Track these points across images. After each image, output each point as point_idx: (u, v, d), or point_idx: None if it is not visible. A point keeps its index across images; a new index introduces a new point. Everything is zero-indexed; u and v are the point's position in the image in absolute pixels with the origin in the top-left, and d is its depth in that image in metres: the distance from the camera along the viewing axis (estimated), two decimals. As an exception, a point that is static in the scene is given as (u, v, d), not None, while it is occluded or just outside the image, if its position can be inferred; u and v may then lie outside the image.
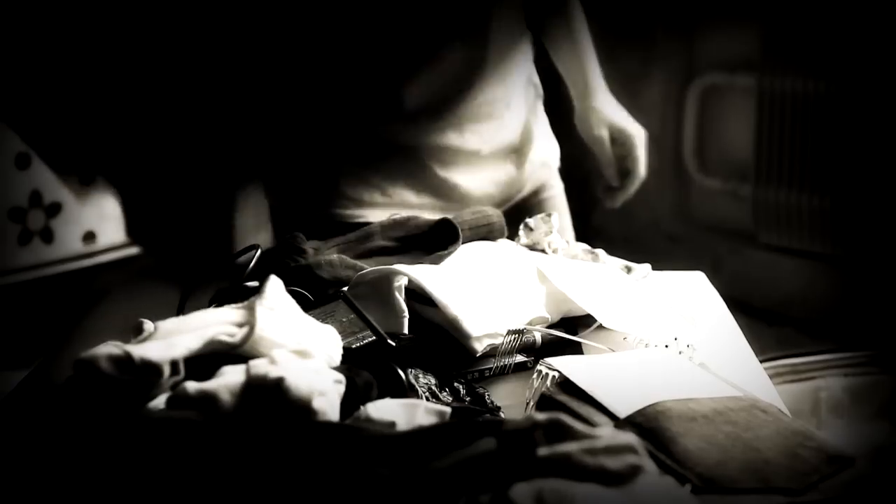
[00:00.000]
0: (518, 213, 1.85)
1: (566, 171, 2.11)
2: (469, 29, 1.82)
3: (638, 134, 1.97)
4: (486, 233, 1.69)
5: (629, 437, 0.98)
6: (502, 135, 1.94)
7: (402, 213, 1.70)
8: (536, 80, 2.04)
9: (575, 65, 2.00)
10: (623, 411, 1.17)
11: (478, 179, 1.94)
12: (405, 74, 1.83)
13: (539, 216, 1.72)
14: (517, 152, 1.99)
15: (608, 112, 1.98)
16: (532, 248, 1.69)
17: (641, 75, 3.82)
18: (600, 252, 1.68)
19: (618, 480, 0.94)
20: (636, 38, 3.88)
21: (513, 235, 1.73)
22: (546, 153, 2.06)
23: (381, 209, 1.84)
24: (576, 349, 1.41)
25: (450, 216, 1.65)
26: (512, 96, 1.93)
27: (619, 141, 1.97)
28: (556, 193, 2.09)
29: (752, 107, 3.58)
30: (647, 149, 1.99)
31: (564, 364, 1.28)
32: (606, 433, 0.99)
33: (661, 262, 1.72)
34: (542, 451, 0.95)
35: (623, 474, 0.94)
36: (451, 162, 1.91)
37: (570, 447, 0.96)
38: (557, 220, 1.71)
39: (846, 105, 3.30)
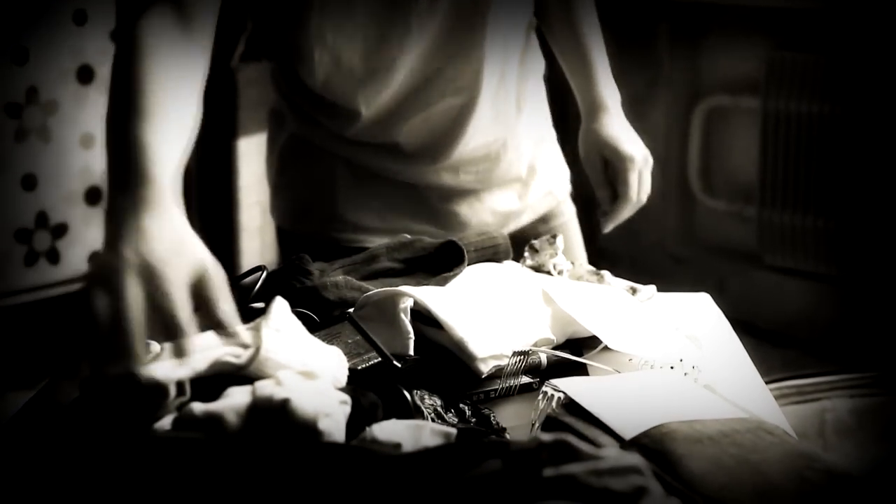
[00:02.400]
0: (525, 240, 1.83)
1: (574, 193, 2.11)
2: (460, 78, 1.81)
3: (633, 158, 1.88)
4: (491, 254, 1.69)
5: (635, 459, 0.98)
6: (500, 171, 1.93)
7: (408, 235, 1.70)
8: (547, 111, 2.04)
9: (584, 82, 1.96)
10: (628, 433, 1.16)
11: (476, 210, 1.94)
12: (399, 121, 1.83)
13: (544, 238, 1.72)
14: (520, 183, 1.98)
15: (607, 133, 1.91)
16: (537, 269, 1.69)
17: (647, 97, 3.83)
18: (605, 274, 1.68)
19: (623, 502, 0.94)
20: (642, 60, 3.89)
21: (518, 257, 1.73)
22: (552, 182, 2.05)
23: (380, 235, 1.84)
24: (581, 371, 1.41)
25: (455, 238, 1.65)
26: (511, 136, 1.92)
27: (612, 164, 1.90)
28: (566, 221, 2.07)
29: (757, 128, 3.58)
30: (649, 173, 1.91)
31: (570, 385, 1.28)
32: (612, 454, 0.99)
33: (666, 283, 1.72)
34: (548, 471, 0.95)
35: (628, 495, 0.94)
36: (448, 196, 1.92)
37: (575, 468, 0.95)
38: (562, 242, 1.71)
39: (851, 127, 3.31)
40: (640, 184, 1.90)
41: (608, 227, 1.94)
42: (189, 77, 1.42)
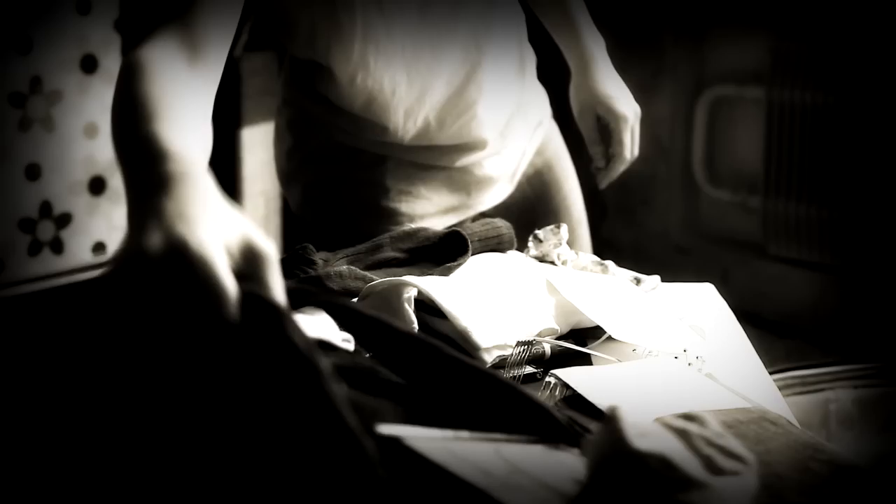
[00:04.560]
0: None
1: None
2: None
3: (626, 117, 1.91)
4: (495, 244, 1.69)
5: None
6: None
7: (412, 225, 1.70)
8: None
9: (570, 38, 1.96)
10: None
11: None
12: (441, 126, 1.84)
13: (548, 228, 1.72)
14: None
15: (599, 91, 1.93)
16: (541, 259, 1.69)
17: (651, 87, 3.82)
18: (609, 264, 1.68)
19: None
20: (646, 49, 3.89)
21: (522, 247, 1.73)
22: (542, 112, 2.06)
23: (432, 220, 1.85)
24: (585, 361, 1.41)
25: (459, 227, 1.65)
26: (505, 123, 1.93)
27: (605, 121, 1.92)
28: (557, 145, 2.10)
29: (761, 118, 3.58)
30: (638, 127, 1.94)
31: (573, 376, 1.28)
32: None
33: (670, 273, 1.72)
34: None
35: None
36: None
37: None
38: (566, 231, 1.71)
39: (856, 118, 3.30)
40: (633, 141, 1.94)
41: (604, 184, 1.99)
42: (196, 104, 1.32)
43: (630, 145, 1.93)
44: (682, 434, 0.98)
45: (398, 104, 1.77)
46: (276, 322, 0.94)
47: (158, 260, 0.91)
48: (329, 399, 0.92)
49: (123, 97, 1.26)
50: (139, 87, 1.25)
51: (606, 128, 1.93)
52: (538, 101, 2.03)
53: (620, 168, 1.95)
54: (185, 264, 0.91)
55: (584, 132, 1.96)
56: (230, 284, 0.92)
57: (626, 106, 1.93)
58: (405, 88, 1.75)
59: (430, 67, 1.75)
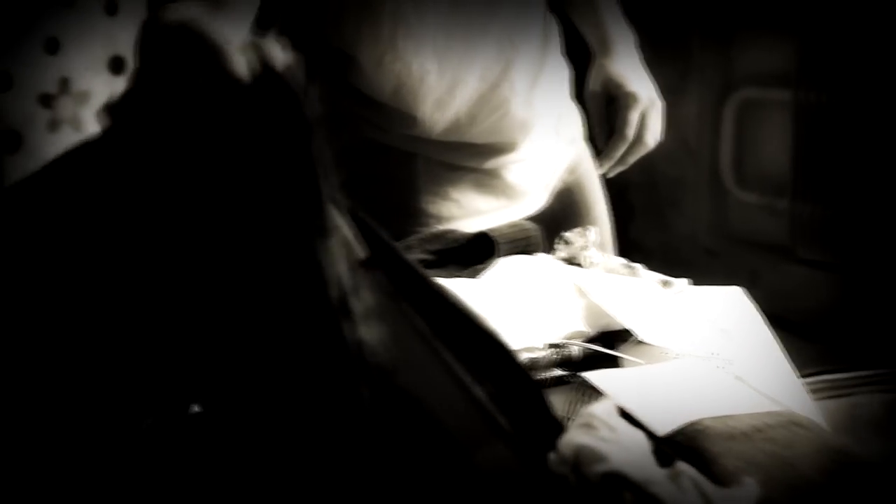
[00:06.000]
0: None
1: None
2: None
3: (636, 96, 1.84)
4: (523, 247, 1.69)
5: None
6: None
7: (440, 227, 1.70)
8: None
9: (591, 20, 1.93)
10: (662, 429, 1.16)
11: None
12: (472, 121, 1.83)
13: (576, 230, 1.72)
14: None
15: (614, 70, 1.87)
16: (569, 262, 1.69)
17: (679, 89, 3.81)
18: (638, 266, 1.67)
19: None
20: (674, 52, 3.87)
21: (550, 249, 1.73)
22: (575, 128, 2.04)
23: (459, 222, 1.84)
24: (613, 363, 1.41)
25: (487, 230, 1.65)
26: (535, 119, 1.92)
27: (614, 99, 1.86)
28: (587, 166, 2.06)
29: (789, 121, 3.57)
30: (658, 117, 1.87)
31: (602, 379, 1.27)
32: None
33: (699, 276, 1.72)
34: None
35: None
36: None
37: None
38: (595, 234, 1.71)
39: (885, 120, 3.29)
40: (643, 125, 1.86)
41: (604, 167, 1.90)
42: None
43: (635, 126, 1.85)
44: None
45: (427, 92, 1.76)
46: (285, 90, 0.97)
47: (174, 30, 1.00)
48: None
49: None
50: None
51: (615, 108, 1.86)
52: (572, 118, 2.02)
53: (621, 149, 1.86)
54: (198, 37, 0.98)
55: (591, 110, 1.91)
56: (237, 53, 0.96)
57: (638, 86, 1.86)
58: (435, 77, 1.75)
59: (462, 60, 1.75)
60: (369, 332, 0.91)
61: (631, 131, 1.84)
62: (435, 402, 0.95)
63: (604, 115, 1.88)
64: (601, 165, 1.90)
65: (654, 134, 1.87)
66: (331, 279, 0.91)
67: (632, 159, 1.88)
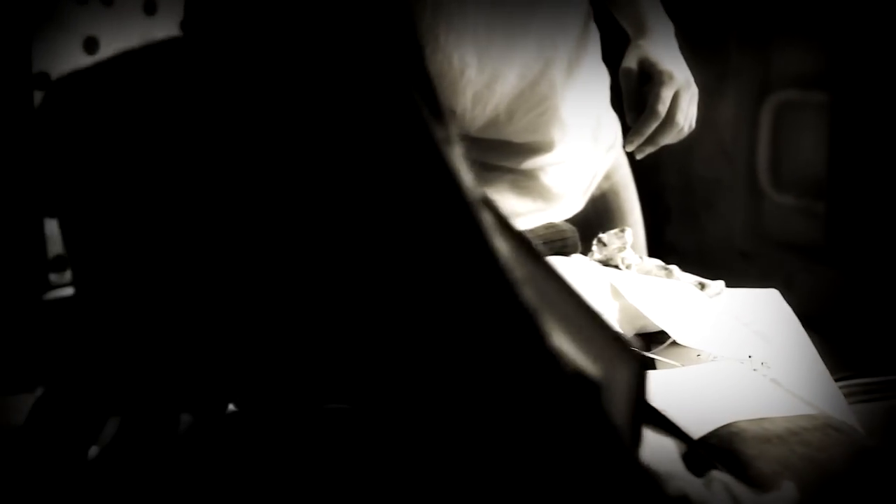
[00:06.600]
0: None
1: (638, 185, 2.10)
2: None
3: (671, 74, 1.76)
4: (559, 248, 1.69)
5: None
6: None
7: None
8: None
9: (631, 11, 1.88)
10: (697, 432, 1.16)
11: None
12: (509, 119, 1.83)
13: (612, 232, 1.72)
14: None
15: (649, 51, 1.79)
16: (605, 263, 1.69)
17: (716, 91, 3.81)
18: (674, 268, 1.68)
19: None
20: (710, 53, 3.87)
21: (586, 251, 1.73)
22: (614, 135, 2.04)
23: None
24: (649, 365, 1.41)
25: (523, 231, 1.65)
26: (570, 121, 1.91)
27: (649, 77, 1.77)
28: (625, 172, 2.07)
29: (826, 123, 3.55)
30: (694, 101, 1.78)
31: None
32: None
33: (735, 278, 1.72)
34: None
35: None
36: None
37: None
38: (631, 235, 1.71)
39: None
40: (676, 105, 1.77)
41: (633, 144, 1.79)
42: None
43: (667, 103, 1.75)
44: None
45: (466, 86, 1.76)
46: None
47: None
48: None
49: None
50: None
51: (649, 88, 1.78)
52: (611, 125, 2.02)
53: (652, 125, 1.76)
54: None
55: (623, 89, 1.81)
56: None
57: (674, 66, 1.78)
58: (475, 71, 1.75)
59: (502, 55, 1.75)
60: (501, 244, 0.87)
61: (664, 108, 1.75)
62: (558, 320, 0.89)
63: (636, 93, 1.79)
64: (630, 143, 1.79)
65: (688, 117, 1.80)
66: (464, 184, 0.87)
67: (662, 140, 1.79)
